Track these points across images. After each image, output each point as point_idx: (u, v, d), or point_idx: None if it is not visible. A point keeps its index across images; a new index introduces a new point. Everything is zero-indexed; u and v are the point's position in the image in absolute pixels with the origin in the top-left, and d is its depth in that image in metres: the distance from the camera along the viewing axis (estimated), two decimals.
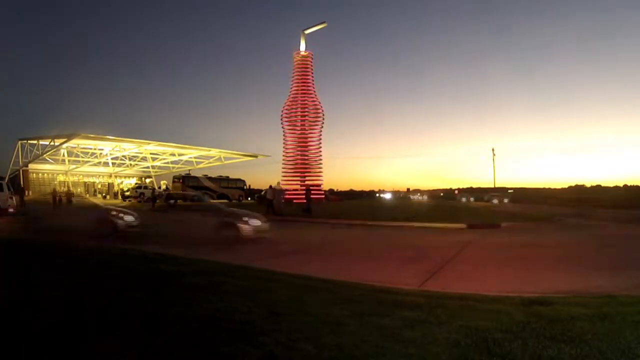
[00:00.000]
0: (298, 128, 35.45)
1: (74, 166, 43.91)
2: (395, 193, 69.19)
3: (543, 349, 2.45)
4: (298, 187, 36.04)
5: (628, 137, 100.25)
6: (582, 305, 3.60)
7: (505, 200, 40.79)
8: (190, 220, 9.99)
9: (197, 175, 41.09)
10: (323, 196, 37.79)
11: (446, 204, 31.83)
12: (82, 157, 42.87)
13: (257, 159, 49.25)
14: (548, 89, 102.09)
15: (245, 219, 9.00)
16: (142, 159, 46.14)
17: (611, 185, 70.39)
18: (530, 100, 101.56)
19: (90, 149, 41.44)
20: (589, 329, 2.81)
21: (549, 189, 67.36)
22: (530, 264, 6.60)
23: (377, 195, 66.17)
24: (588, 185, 71.18)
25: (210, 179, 40.34)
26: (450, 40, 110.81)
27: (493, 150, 48.32)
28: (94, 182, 44.43)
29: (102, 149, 41.34)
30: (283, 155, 36.17)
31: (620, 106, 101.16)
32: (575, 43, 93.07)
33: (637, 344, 2.52)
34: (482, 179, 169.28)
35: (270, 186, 18.53)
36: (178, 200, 17.61)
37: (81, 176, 45.16)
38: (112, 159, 44.17)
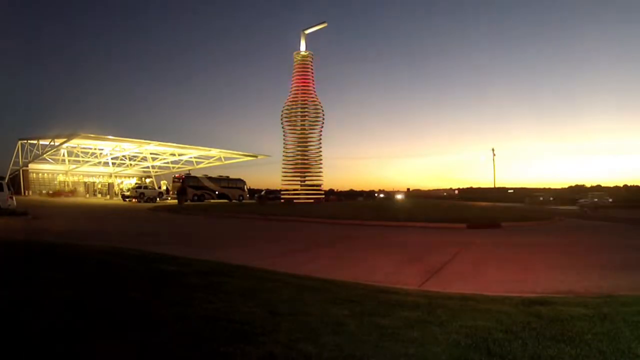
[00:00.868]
0: (298, 128, 35.46)
1: (74, 166, 43.94)
2: (386, 193, 71.70)
3: (543, 349, 2.44)
4: (298, 186, 36.08)
5: (628, 137, 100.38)
6: (582, 305, 3.60)
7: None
8: None
9: (197, 175, 41.11)
10: (323, 196, 37.80)
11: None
12: (82, 157, 42.94)
13: (257, 159, 49.32)
14: (548, 89, 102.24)
15: None
16: (142, 159, 46.21)
17: (611, 185, 70.54)
18: (531, 100, 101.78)
19: (90, 149, 41.50)
20: (589, 329, 2.81)
21: (549, 189, 67.39)
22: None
23: (377, 195, 66.96)
24: (588, 185, 71.30)
25: (210, 178, 40.36)
26: (451, 40, 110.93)
27: (493, 150, 48.37)
28: (94, 182, 44.43)
29: (102, 149, 41.38)
30: (283, 155, 36.23)
31: (621, 106, 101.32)
32: (575, 43, 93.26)
33: (637, 344, 2.52)
34: (482, 179, 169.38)
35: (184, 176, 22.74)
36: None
37: (81, 176, 45.16)
38: (112, 159, 44.23)
